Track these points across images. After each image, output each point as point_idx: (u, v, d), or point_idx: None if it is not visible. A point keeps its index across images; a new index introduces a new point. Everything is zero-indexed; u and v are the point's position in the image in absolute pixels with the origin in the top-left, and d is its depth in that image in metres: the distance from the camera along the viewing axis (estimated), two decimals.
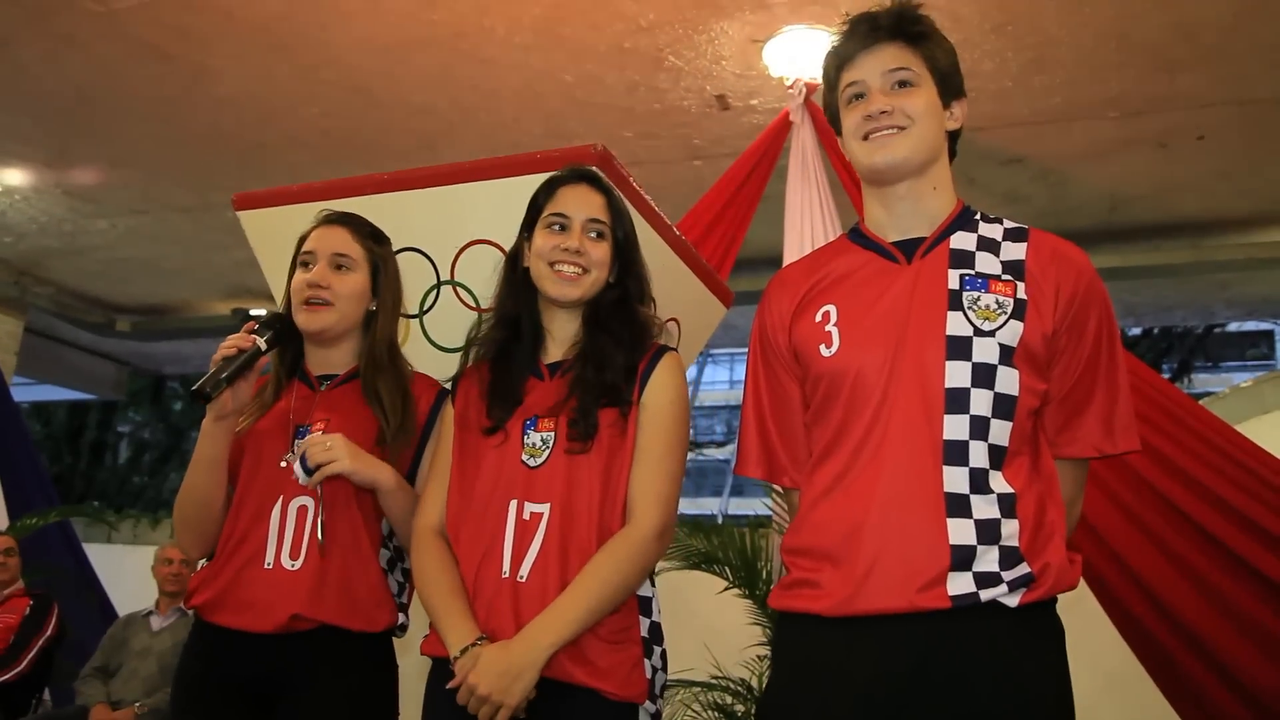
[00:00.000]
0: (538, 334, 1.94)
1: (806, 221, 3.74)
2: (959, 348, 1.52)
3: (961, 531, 1.46)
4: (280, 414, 2.06)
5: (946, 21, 4.13)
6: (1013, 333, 1.52)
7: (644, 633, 1.82)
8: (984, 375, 1.50)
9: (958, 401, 1.50)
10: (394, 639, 2.07)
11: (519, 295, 1.95)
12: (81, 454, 16.43)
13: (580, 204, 1.91)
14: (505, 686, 1.65)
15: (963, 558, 1.45)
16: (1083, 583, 3.22)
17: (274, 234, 2.43)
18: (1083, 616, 3.22)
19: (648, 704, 1.79)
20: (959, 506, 1.47)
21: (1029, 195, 5.71)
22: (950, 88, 1.67)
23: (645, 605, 1.85)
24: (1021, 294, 1.55)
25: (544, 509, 1.78)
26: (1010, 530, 1.47)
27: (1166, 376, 13.21)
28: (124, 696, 4.56)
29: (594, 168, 2.01)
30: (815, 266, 1.75)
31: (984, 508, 1.47)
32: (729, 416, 20.59)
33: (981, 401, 1.50)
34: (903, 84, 1.63)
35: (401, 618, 2.04)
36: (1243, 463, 3.09)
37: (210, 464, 1.99)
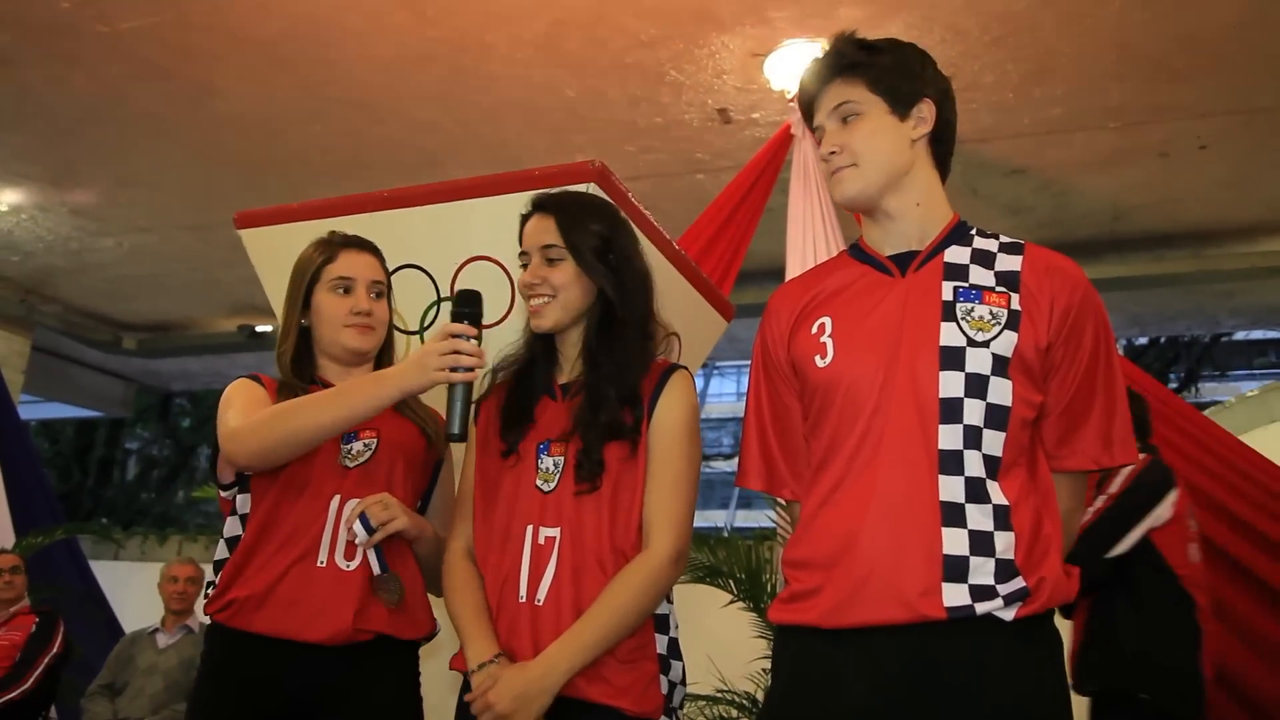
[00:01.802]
0: (551, 355, 1.96)
1: (809, 234, 3.74)
2: (952, 358, 1.52)
3: (956, 542, 1.45)
4: None
5: (947, 34, 4.17)
6: (1007, 343, 1.52)
7: (661, 649, 1.83)
8: (976, 385, 1.50)
9: (952, 411, 1.50)
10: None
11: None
12: (90, 471, 16.46)
13: (533, 235, 1.92)
14: (521, 709, 1.68)
15: (956, 568, 1.44)
16: None
17: (276, 252, 2.44)
18: None
19: (664, 719, 1.80)
20: (954, 516, 1.47)
21: (1032, 206, 5.72)
22: (903, 98, 1.66)
23: (662, 622, 1.86)
24: (1016, 305, 1.55)
25: (556, 533, 1.80)
26: (1005, 543, 1.46)
27: (1173, 386, 13.19)
28: (130, 714, 4.55)
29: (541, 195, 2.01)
30: (814, 281, 1.77)
31: (979, 519, 1.47)
32: (736, 429, 20.55)
33: (974, 411, 1.50)
34: (848, 118, 1.67)
35: (438, 625, 2.07)
36: (1247, 473, 3.10)
37: (365, 416, 1.87)
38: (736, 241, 4.03)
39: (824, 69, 1.69)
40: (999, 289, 1.57)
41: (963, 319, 1.54)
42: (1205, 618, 2.81)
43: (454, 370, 1.74)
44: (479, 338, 1.81)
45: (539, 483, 1.84)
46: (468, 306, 1.82)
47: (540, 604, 1.77)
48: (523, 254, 1.92)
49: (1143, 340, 13.15)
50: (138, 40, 4.43)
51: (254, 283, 2.55)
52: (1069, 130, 4.93)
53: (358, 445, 2.01)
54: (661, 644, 1.84)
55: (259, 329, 8.00)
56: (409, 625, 1.99)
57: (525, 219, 1.95)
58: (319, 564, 1.92)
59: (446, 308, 2.30)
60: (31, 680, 4.44)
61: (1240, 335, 15.16)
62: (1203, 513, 3.06)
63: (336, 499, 1.96)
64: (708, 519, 15.87)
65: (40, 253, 6.97)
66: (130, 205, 6.22)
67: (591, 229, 1.91)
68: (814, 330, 1.67)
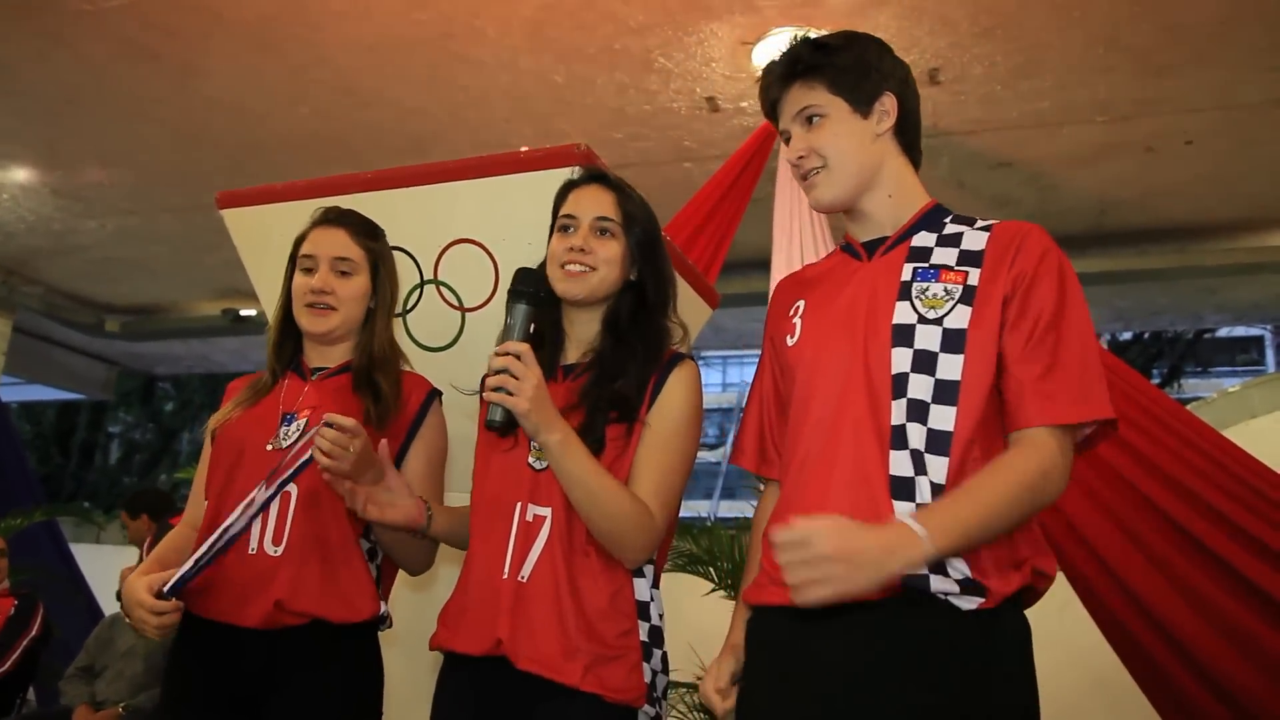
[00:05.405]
0: (557, 336, 1.95)
1: (795, 223, 3.73)
2: (903, 335, 1.53)
3: (904, 514, 1.45)
4: (270, 403, 2.06)
5: (936, 25, 4.17)
6: (960, 317, 1.53)
7: (644, 636, 1.83)
8: (924, 361, 1.51)
9: (900, 387, 1.51)
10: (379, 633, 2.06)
11: None
12: (71, 454, 16.39)
13: (588, 203, 1.91)
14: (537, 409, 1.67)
15: None
16: (1070, 587, 3.25)
17: (258, 232, 2.43)
18: (1071, 618, 3.23)
19: (647, 707, 1.80)
20: (904, 490, 1.48)
21: (1018, 199, 5.73)
22: (863, 94, 1.66)
23: (644, 610, 1.85)
24: (973, 280, 1.55)
25: (546, 512, 1.80)
26: None
27: (1156, 382, 13.26)
28: (109, 696, 4.54)
29: (599, 168, 2.01)
30: (806, 270, 1.83)
31: (925, 492, 1.47)
32: (721, 419, 20.60)
33: (920, 386, 1.50)
34: (812, 119, 1.68)
35: (384, 608, 2.01)
36: (1229, 468, 3.09)
37: None
38: (722, 231, 4.01)
39: (782, 73, 1.70)
40: (959, 267, 1.58)
41: (916, 298, 1.56)
42: None
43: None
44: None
45: (531, 460, 1.83)
46: (527, 286, 1.80)
47: (524, 581, 1.77)
48: (568, 218, 1.91)
49: (1126, 335, 13.22)
50: (122, 19, 4.39)
51: (238, 266, 2.53)
52: (1056, 124, 4.94)
53: (293, 426, 2.00)
54: (644, 631, 1.83)
55: (243, 313, 7.97)
56: (343, 606, 1.93)
57: (573, 185, 1.95)
58: (250, 550, 1.93)
59: (430, 291, 2.29)
60: (9, 662, 4.43)
61: (1223, 332, 15.25)
62: (1185, 509, 3.06)
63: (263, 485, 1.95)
64: (691, 509, 15.81)
65: (23, 234, 6.92)
66: (114, 187, 6.17)
67: (643, 218, 1.94)
68: (790, 313, 1.72)
